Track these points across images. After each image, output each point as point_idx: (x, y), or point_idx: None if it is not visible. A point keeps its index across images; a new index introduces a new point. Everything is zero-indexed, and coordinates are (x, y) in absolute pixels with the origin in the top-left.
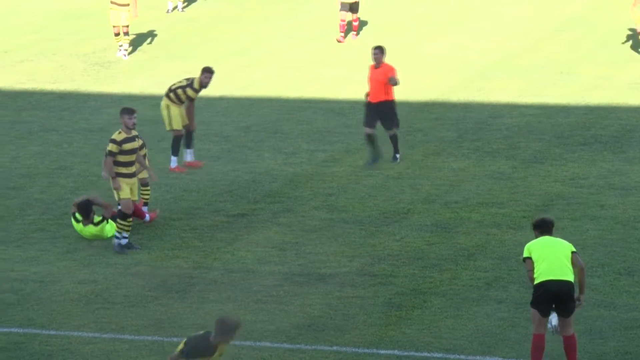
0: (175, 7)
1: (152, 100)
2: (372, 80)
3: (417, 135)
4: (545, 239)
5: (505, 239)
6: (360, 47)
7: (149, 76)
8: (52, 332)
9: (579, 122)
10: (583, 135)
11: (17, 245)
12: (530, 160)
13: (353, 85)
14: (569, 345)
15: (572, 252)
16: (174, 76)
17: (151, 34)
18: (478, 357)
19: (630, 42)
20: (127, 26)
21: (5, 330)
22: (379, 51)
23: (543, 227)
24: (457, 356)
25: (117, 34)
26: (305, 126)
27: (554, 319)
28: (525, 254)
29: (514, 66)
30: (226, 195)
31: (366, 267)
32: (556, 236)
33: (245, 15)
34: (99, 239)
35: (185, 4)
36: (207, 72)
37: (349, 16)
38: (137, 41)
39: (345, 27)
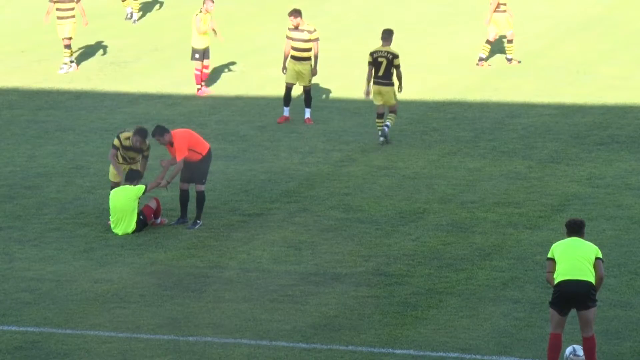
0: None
1: (168, 100)
2: None
3: (434, 134)
4: (571, 240)
5: (522, 238)
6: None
7: (164, 76)
8: (68, 331)
9: (595, 122)
10: (600, 135)
11: (33, 244)
12: (546, 160)
13: None
14: (589, 347)
15: (597, 258)
16: (191, 76)
17: (166, 34)
18: (494, 357)
19: None
20: (70, 38)
21: (21, 329)
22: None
23: (571, 228)
24: (473, 356)
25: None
26: (321, 126)
27: (579, 351)
28: (548, 255)
29: (530, 66)
30: (242, 195)
31: (382, 266)
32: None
33: (260, 14)
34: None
35: (140, 13)
36: None
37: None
38: (153, 41)
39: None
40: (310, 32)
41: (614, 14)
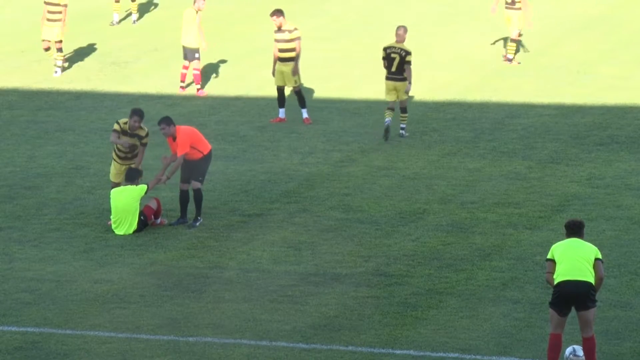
0: (125, 18)
1: (167, 100)
2: None
3: (433, 135)
4: (570, 241)
5: (522, 239)
6: (377, 47)
7: (164, 76)
8: (68, 332)
9: (595, 122)
10: (599, 136)
11: (33, 244)
12: (546, 160)
13: (368, 86)
14: (588, 347)
15: (596, 259)
16: (190, 76)
17: (166, 34)
18: (494, 358)
19: None
20: (61, 41)
21: (21, 329)
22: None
23: (570, 229)
24: (473, 356)
25: (46, 49)
26: (321, 126)
27: (579, 351)
28: (548, 255)
29: (530, 66)
30: (242, 195)
31: (382, 267)
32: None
33: (260, 15)
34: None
35: (138, 14)
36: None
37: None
38: (153, 41)
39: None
40: (290, 31)
41: (616, 13)
